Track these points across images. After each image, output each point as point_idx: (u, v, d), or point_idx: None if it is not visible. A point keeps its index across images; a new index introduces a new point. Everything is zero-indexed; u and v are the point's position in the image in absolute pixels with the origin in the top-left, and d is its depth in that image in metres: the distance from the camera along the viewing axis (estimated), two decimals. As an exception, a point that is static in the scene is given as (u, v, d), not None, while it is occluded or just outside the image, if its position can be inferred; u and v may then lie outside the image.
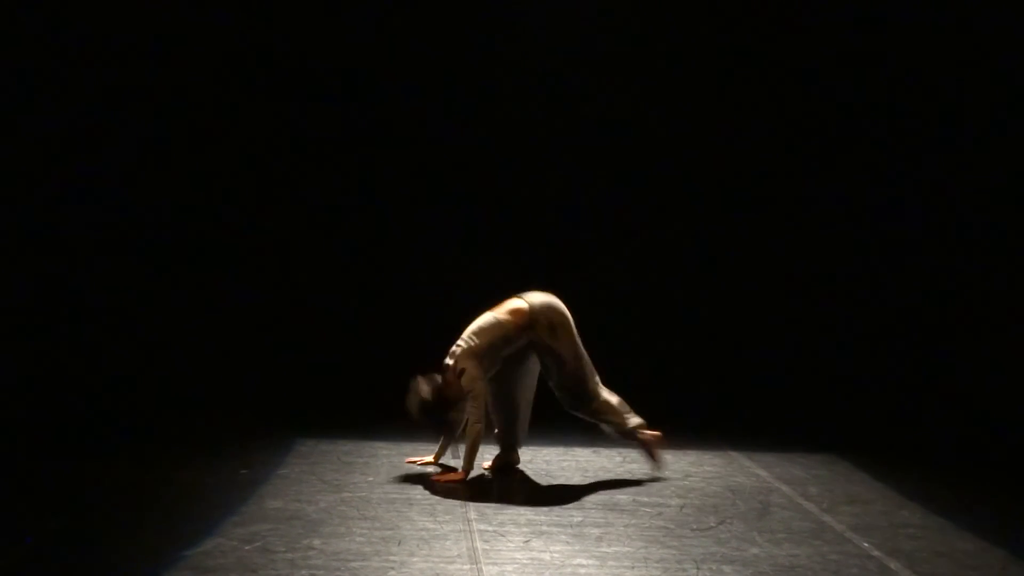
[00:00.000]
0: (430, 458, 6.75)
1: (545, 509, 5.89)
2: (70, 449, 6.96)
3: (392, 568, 4.83)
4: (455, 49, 9.73)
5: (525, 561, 5.01)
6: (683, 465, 7.01)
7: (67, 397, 8.36)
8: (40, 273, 9.19)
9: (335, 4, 9.66)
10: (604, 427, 6.70)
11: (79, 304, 9.27)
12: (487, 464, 6.72)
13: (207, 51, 9.48)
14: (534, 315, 6.48)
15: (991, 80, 9.47)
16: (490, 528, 5.48)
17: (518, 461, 6.77)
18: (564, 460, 7.04)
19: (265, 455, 6.80)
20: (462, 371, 6.34)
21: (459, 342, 6.46)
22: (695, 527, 5.64)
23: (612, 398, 6.65)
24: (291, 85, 9.68)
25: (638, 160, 9.92)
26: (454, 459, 6.65)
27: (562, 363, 6.50)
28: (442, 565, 4.90)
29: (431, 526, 5.48)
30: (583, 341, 6.66)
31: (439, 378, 6.40)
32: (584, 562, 5.03)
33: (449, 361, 6.43)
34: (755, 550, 5.29)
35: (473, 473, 6.47)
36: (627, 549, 5.24)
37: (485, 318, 6.51)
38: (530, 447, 6.99)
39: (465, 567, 4.89)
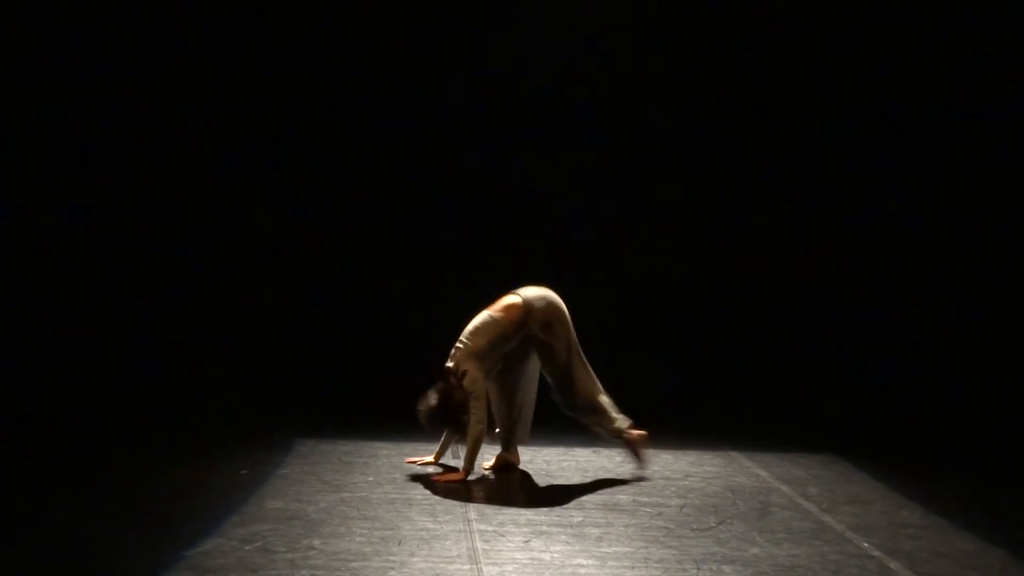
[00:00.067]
0: (430, 458, 6.75)
1: (545, 509, 5.89)
2: (70, 449, 6.97)
3: (392, 568, 4.83)
4: (454, 50, 9.73)
5: (525, 561, 5.01)
6: (683, 465, 7.02)
7: (67, 397, 8.36)
8: (40, 274, 9.19)
9: (338, 3, 9.67)
10: (590, 424, 6.68)
11: (79, 304, 9.26)
12: (487, 464, 6.72)
13: (208, 51, 9.48)
14: (528, 308, 6.50)
15: (993, 80, 9.49)
16: (490, 528, 5.48)
17: (519, 462, 6.77)
18: (564, 460, 7.04)
19: (265, 455, 6.80)
20: (464, 373, 6.35)
21: (458, 344, 6.46)
22: (695, 527, 5.64)
23: (603, 397, 6.65)
24: (291, 86, 9.68)
25: (638, 160, 9.92)
26: (454, 459, 6.65)
27: (553, 353, 6.50)
28: (442, 565, 4.90)
29: (431, 526, 5.48)
30: (584, 340, 6.67)
31: (444, 385, 6.42)
32: (584, 562, 5.03)
33: (450, 363, 6.44)
34: (755, 550, 5.29)
35: (473, 473, 6.47)
36: (627, 549, 5.24)
37: (481, 317, 6.52)
38: (530, 447, 6.99)
39: (465, 567, 4.89)
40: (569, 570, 4.93)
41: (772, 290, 9.85)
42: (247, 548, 5.02)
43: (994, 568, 5.19)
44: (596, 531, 5.51)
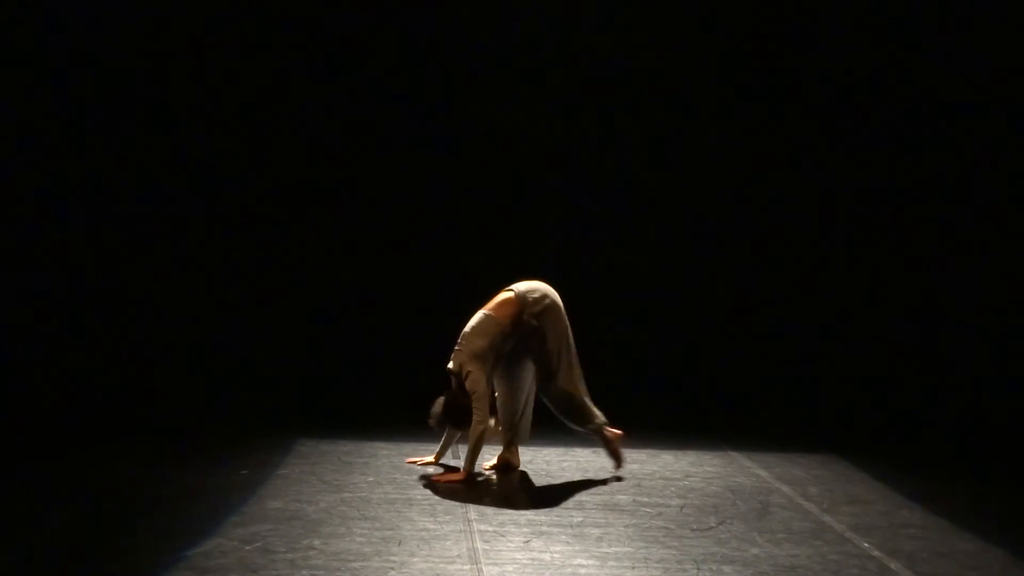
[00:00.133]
0: (431, 458, 6.75)
1: (545, 509, 5.89)
2: (71, 450, 6.96)
3: (392, 568, 4.83)
4: (454, 51, 9.74)
5: (525, 561, 5.01)
6: (683, 465, 7.02)
7: (68, 398, 8.35)
8: (41, 274, 9.19)
9: (338, 3, 9.68)
10: (567, 419, 6.67)
11: (80, 305, 9.26)
12: (488, 464, 6.72)
13: (209, 50, 9.48)
14: (522, 300, 6.51)
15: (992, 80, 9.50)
16: (490, 528, 5.48)
17: (519, 464, 6.77)
18: (564, 460, 7.04)
19: (265, 455, 6.80)
20: (468, 374, 6.36)
21: (458, 345, 6.46)
22: (695, 527, 5.64)
23: (584, 394, 6.64)
24: (291, 85, 9.68)
25: (639, 159, 9.92)
26: (455, 459, 6.65)
27: (545, 341, 6.49)
28: (442, 565, 4.90)
29: (431, 526, 5.48)
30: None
31: (452, 390, 6.44)
32: (584, 562, 5.03)
33: (451, 365, 6.44)
34: (755, 550, 5.29)
35: (474, 473, 6.47)
36: (627, 549, 5.24)
37: (479, 317, 6.52)
38: (530, 447, 6.99)
39: (465, 567, 4.89)
40: (569, 570, 4.93)
41: (772, 290, 9.85)
42: (247, 548, 5.02)
43: (994, 568, 5.19)
44: (596, 531, 5.51)
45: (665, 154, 9.91)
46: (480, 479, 6.52)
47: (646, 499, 6.17)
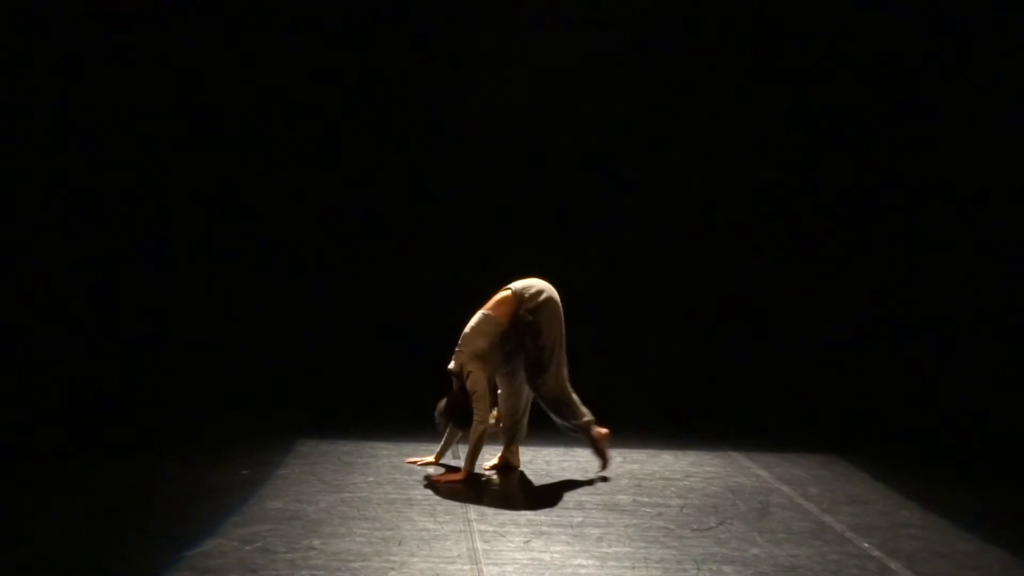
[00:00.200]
0: (431, 458, 6.75)
1: (545, 509, 5.89)
2: (71, 450, 6.96)
3: (392, 568, 4.83)
4: (455, 52, 9.74)
5: (525, 561, 5.01)
6: (683, 465, 7.01)
7: (68, 398, 8.36)
8: (41, 275, 9.19)
9: (340, 4, 9.68)
10: (556, 416, 6.66)
11: (81, 305, 9.26)
12: (488, 464, 6.73)
13: (207, 53, 9.49)
14: (519, 297, 6.52)
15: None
16: (490, 528, 5.48)
17: (519, 464, 6.77)
18: (564, 460, 7.04)
19: (265, 455, 6.80)
20: (468, 374, 6.36)
21: (458, 346, 6.46)
22: (695, 527, 5.64)
23: (572, 392, 6.64)
24: (290, 85, 9.68)
25: (640, 158, 9.93)
26: (455, 459, 6.65)
27: (540, 336, 6.48)
28: (442, 565, 4.90)
29: (431, 526, 5.48)
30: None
31: (453, 391, 6.44)
32: (584, 562, 5.03)
33: (451, 365, 6.45)
34: (755, 550, 5.29)
35: (474, 473, 6.47)
36: (627, 549, 5.24)
37: (478, 317, 6.52)
38: (530, 447, 6.99)
39: (465, 567, 4.89)
40: (569, 570, 4.93)
41: (772, 290, 9.85)
42: (247, 548, 5.02)
43: (994, 568, 5.19)
44: (596, 531, 5.51)
45: (665, 154, 9.92)
46: (480, 479, 6.52)
47: (646, 499, 6.17)
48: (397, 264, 9.71)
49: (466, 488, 6.26)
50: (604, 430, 6.70)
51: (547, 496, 6.19)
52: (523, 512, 5.83)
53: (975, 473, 7.22)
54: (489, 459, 6.74)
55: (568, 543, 5.30)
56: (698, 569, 4.99)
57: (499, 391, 6.63)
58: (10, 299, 9.05)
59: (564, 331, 6.59)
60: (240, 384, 8.95)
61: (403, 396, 8.43)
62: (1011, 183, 9.44)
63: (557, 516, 5.77)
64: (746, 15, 9.82)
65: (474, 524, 5.55)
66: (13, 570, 4.75)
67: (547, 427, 6.96)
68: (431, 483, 6.32)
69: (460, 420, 6.43)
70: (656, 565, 5.02)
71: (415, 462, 6.76)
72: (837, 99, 9.83)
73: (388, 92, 9.75)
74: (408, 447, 7.06)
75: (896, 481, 6.75)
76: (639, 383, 9.26)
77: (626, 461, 7.00)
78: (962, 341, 9.42)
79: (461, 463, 6.50)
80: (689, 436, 7.80)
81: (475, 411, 6.35)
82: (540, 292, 6.56)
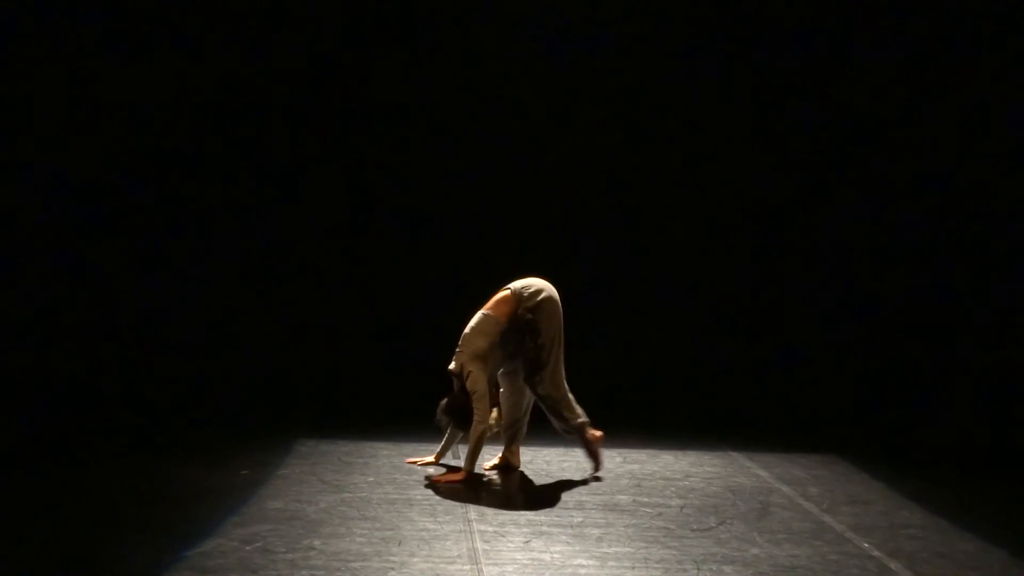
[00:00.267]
0: (431, 458, 6.75)
1: (545, 509, 5.89)
2: (71, 450, 6.96)
3: (392, 568, 4.83)
4: (454, 52, 9.74)
5: (525, 561, 5.01)
6: (683, 465, 7.01)
7: (68, 399, 8.35)
8: (42, 275, 9.19)
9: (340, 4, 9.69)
10: (553, 419, 6.65)
11: (81, 305, 9.26)
12: (488, 464, 6.73)
13: (207, 53, 9.49)
14: (518, 296, 6.52)
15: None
16: (490, 528, 5.48)
17: (519, 464, 6.77)
18: (564, 460, 7.03)
19: (265, 455, 6.80)
20: (468, 374, 6.36)
21: (459, 347, 6.46)
22: (695, 527, 5.64)
23: (568, 392, 6.64)
24: (291, 86, 9.68)
25: (640, 159, 9.92)
26: (455, 459, 6.65)
27: (539, 335, 6.48)
28: (442, 565, 4.90)
29: (431, 526, 5.48)
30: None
31: (454, 391, 6.44)
32: (584, 562, 5.03)
33: (452, 366, 6.45)
34: (755, 550, 5.29)
35: (474, 473, 6.47)
36: (627, 549, 5.24)
37: (478, 317, 6.52)
38: (530, 447, 6.99)
39: (465, 567, 4.89)
40: (569, 570, 4.93)
41: (772, 290, 9.85)
42: (247, 548, 5.02)
43: (994, 568, 5.20)
44: (596, 531, 5.51)
45: (665, 154, 9.92)
46: (481, 479, 6.52)
47: (646, 499, 6.17)
48: (397, 264, 9.70)
49: (466, 488, 6.26)
50: (598, 432, 6.69)
51: (547, 496, 6.19)
52: (523, 512, 5.83)
53: (975, 473, 7.22)
54: (489, 459, 6.74)
55: (568, 543, 5.30)
56: (698, 569, 4.99)
57: (500, 391, 6.63)
58: (10, 299, 9.03)
59: (563, 330, 6.60)
60: (240, 384, 8.94)
61: (403, 396, 8.43)
62: (1011, 182, 9.43)
63: (557, 516, 5.77)
64: (746, 15, 9.82)
65: (474, 524, 5.55)
66: (13, 570, 4.75)
67: (547, 427, 6.96)
68: (431, 483, 6.32)
69: (460, 420, 6.43)
70: (656, 565, 5.02)
71: (415, 462, 6.76)
72: (837, 99, 9.82)
73: (388, 92, 9.74)
74: (408, 447, 7.06)
75: (896, 481, 6.75)
76: (638, 384, 9.25)
77: (626, 461, 7.00)
78: (962, 341, 9.42)
79: (461, 463, 6.50)
80: (689, 436, 7.80)
81: (475, 411, 6.36)
82: (539, 291, 6.56)
